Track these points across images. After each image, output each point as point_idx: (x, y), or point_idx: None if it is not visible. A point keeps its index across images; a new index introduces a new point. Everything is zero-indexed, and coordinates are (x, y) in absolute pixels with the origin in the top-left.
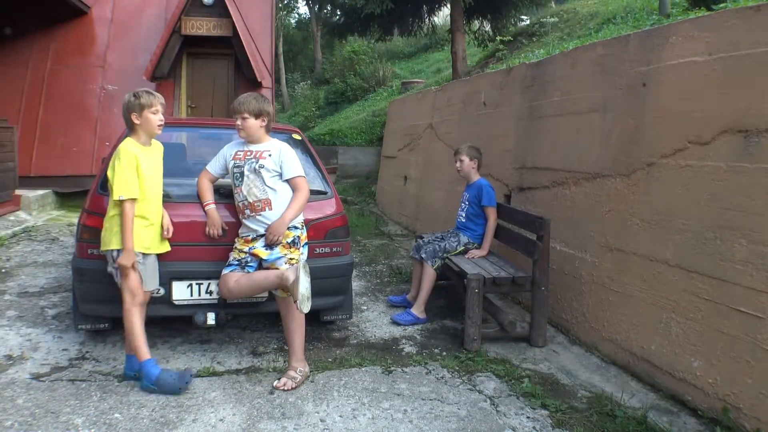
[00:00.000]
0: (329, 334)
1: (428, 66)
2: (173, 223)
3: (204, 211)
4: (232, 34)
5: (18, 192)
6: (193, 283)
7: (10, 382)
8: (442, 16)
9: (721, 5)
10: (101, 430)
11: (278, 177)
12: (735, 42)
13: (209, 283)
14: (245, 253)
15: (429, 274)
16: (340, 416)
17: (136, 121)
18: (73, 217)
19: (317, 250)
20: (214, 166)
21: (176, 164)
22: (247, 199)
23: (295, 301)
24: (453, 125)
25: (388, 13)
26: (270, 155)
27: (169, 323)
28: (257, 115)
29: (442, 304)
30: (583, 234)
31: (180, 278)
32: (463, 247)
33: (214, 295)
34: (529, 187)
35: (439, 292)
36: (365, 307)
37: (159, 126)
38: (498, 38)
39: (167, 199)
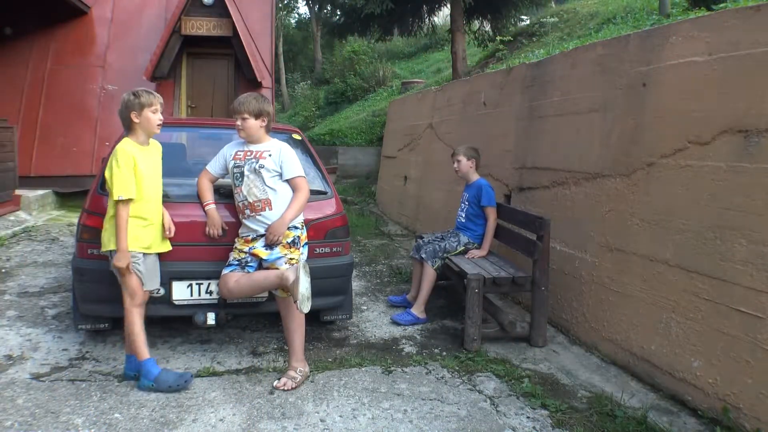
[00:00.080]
0: (329, 334)
1: (428, 66)
2: (173, 223)
3: (204, 211)
4: (232, 34)
5: (18, 192)
6: (193, 283)
7: (10, 382)
8: (442, 16)
9: (721, 5)
10: (101, 430)
11: (278, 177)
12: (735, 42)
13: (209, 283)
14: (245, 253)
15: (429, 274)
16: (340, 416)
17: (136, 120)
18: (73, 217)
19: (317, 250)
20: (214, 166)
21: (176, 164)
22: (247, 199)
23: (295, 301)
24: (453, 125)
25: (388, 13)
26: (270, 155)
27: (169, 323)
28: (257, 116)
29: (442, 304)
30: (583, 234)
31: (180, 278)
32: (463, 247)
33: (214, 295)
34: (529, 187)
35: (439, 292)
36: (365, 307)
37: (158, 125)
38: (498, 38)
39: (167, 199)
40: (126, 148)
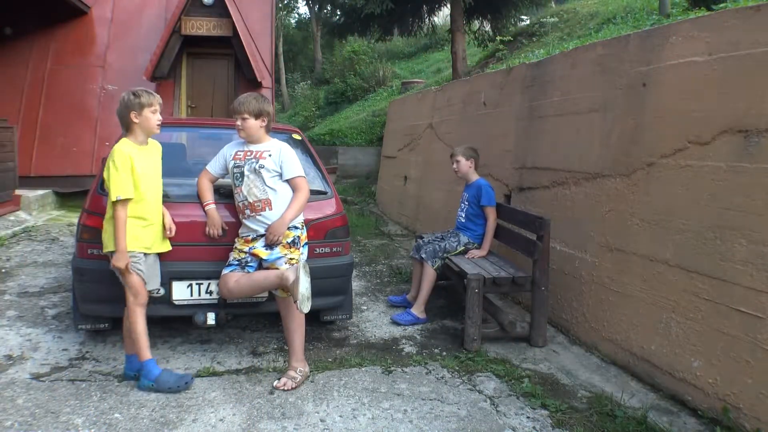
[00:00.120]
0: (329, 334)
1: (428, 66)
2: (175, 224)
3: (204, 211)
4: (232, 34)
5: (18, 192)
6: (193, 283)
7: (10, 382)
8: (442, 16)
9: (721, 5)
10: (101, 430)
11: (278, 177)
12: (735, 42)
13: (209, 283)
14: (245, 253)
15: (429, 274)
16: (340, 416)
17: (135, 120)
18: (73, 217)
19: (317, 250)
20: (214, 166)
21: (176, 164)
22: (247, 199)
23: (295, 301)
24: (453, 125)
25: (388, 13)
26: (270, 155)
27: (169, 323)
28: (257, 116)
29: (442, 304)
30: (583, 234)
31: (180, 278)
32: (463, 247)
33: (214, 295)
34: (529, 187)
35: (439, 292)
36: (365, 307)
37: (158, 125)
38: (498, 38)
39: (167, 199)
40: (123, 148)
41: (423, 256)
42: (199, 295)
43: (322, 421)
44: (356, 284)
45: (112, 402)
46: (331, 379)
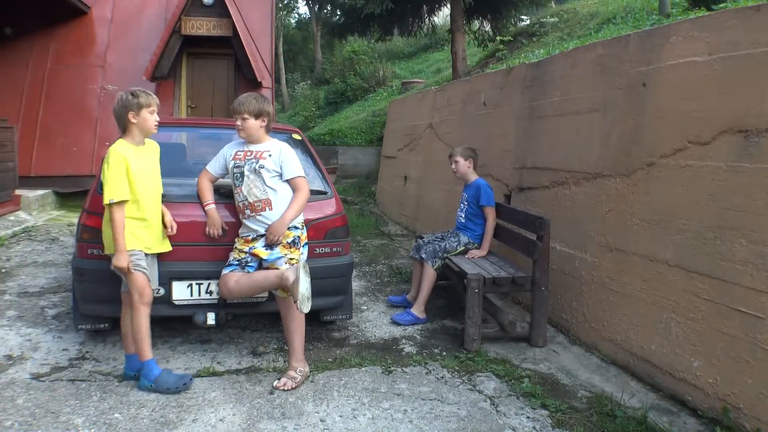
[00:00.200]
0: (329, 334)
1: (428, 66)
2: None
3: (204, 211)
4: (232, 34)
5: (18, 192)
6: (193, 283)
7: (10, 382)
8: (442, 16)
9: (721, 5)
10: (101, 430)
11: (278, 177)
12: (735, 42)
13: (209, 283)
14: (245, 253)
15: (429, 274)
16: (340, 416)
17: (133, 121)
18: (73, 217)
19: (317, 250)
20: (214, 166)
21: (176, 164)
22: (247, 199)
23: (295, 301)
24: (453, 125)
25: (388, 13)
26: (270, 155)
27: (169, 323)
28: (257, 116)
29: (442, 304)
30: (583, 234)
31: (180, 278)
32: (463, 247)
33: (214, 295)
34: (529, 187)
35: (439, 292)
36: (365, 307)
37: (155, 126)
38: (498, 38)
39: (167, 199)
40: (118, 149)
41: (423, 256)
42: (199, 295)
43: (322, 421)
44: (356, 284)
45: (112, 402)
46: (331, 379)
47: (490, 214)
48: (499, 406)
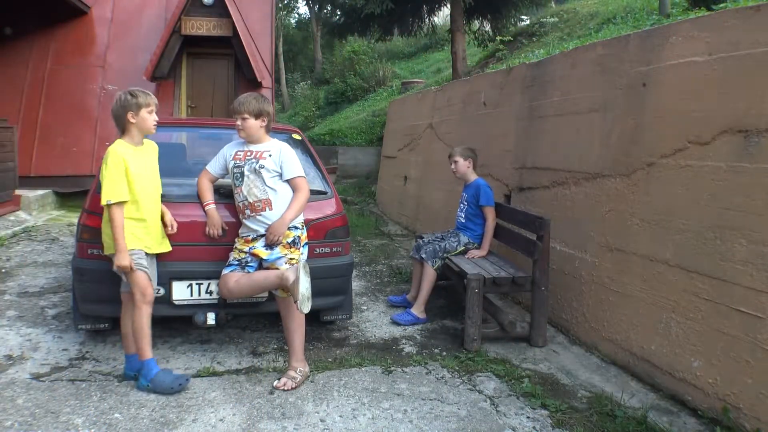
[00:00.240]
0: (329, 334)
1: (428, 66)
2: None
3: (204, 211)
4: (232, 34)
5: (18, 192)
6: (193, 283)
7: (10, 382)
8: (442, 16)
9: (721, 5)
10: (101, 430)
11: (278, 177)
12: (735, 42)
13: (209, 283)
14: (245, 253)
15: (429, 274)
16: (340, 416)
17: (132, 121)
18: (73, 217)
19: (317, 250)
20: (214, 166)
21: (176, 164)
22: (247, 199)
23: (295, 302)
24: (453, 125)
25: (388, 13)
26: (270, 155)
27: (169, 323)
28: (257, 116)
29: (442, 304)
30: (583, 234)
31: (180, 278)
32: (463, 247)
33: (214, 295)
34: (529, 187)
35: (439, 292)
36: (365, 307)
37: (154, 126)
38: (498, 38)
39: (167, 199)
40: (117, 150)
41: (423, 256)
42: (199, 295)
43: (322, 421)
44: (356, 284)
45: (112, 402)
46: (331, 379)
47: (490, 214)
48: (499, 406)
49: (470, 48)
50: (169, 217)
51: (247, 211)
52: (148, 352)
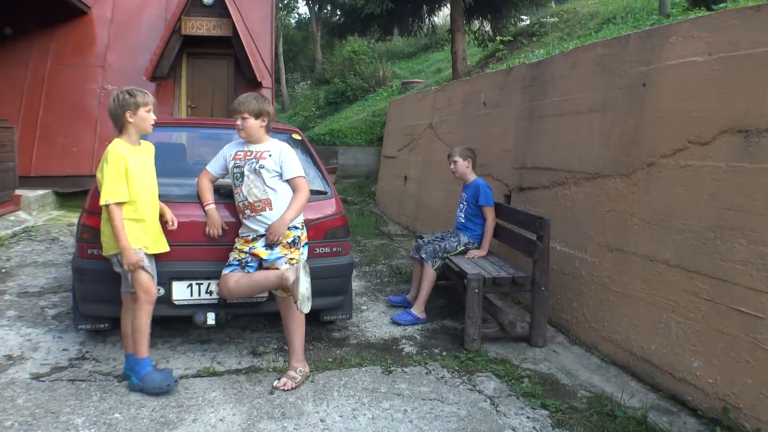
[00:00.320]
0: (329, 334)
1: (428, 66)
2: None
3: (204, 211)
4: (232, 34)
5: (18, 192)
6: (193, 283)
7: (10, 382)
8: (442, 16)
9: (721, 5)
10: (101, 430)
11: (278, 177)
12: (735, 42)
13: (209, 283)
14: (245, 253)
15: (429, 274)
16: (340, 416)
17: (130, 120)
18: (73, 217)
19: (317, 250)
20: (214, 166)
21: (176, 164)
22: (247, 199)
23: (296, 302)
24: (453, 125)
25: (388, 13)
26: (270, 155)
27: (169, 323)
28: (257, 115)
29: (442, 304)
30: (583, 234)
31: (180, 278)
32: (463, 247)
33: (214, 295)
34: (529, 187)
35: (439, 292)
36: (365, 307)
37: (151, 125)
38: (498, 38)
39: (167, 199)
40: (117, 149)
41: (423, 256)
42: (199, 295)
43: (322, 421)
44: (356, 284)
45: (112, 402)
46: (331, 379)
47: (489, 214)
48: (499, 406)
49: (470, 48)
50: (169, 214)
51: (247, 211)
52: (144, 352)
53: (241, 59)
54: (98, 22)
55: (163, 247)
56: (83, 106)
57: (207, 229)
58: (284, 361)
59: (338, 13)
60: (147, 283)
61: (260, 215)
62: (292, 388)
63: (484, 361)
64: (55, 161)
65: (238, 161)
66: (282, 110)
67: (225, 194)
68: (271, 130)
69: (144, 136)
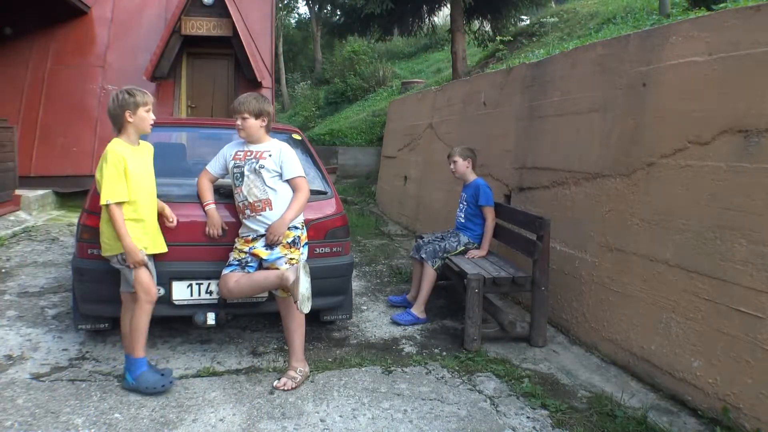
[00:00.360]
0: (329, 334)
1: (428, 66)
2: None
3: (204, 211)
4: (232, 34)
5: (18, 192)
6: (193, 283)
7: (10, 382)
8: (442, 16)
9: (721, 5)
10: (101, 430)
11: (278, 177)
12: (735, 42)
13: (209, 283)
14: (245, 253)
15: (429, 274)
16: (340, 416)
17: (130, 120)
18: (73, 217)
19: (317, 250)
20: (214, 166)
21: (176, 164)
22: (247, 199)
23: (296, 302)
24: (453, 125)
25: (388, 13)
26: (270, 155)
27: (169, 323)
28: (257, 115)
29: (442, 304)
30: (583, 234)
31: (180, 278)
32: (463, 247)
33: (214, 295)
34: (529, 187)
35: (439, 292)
36: (365, 307)
37: (151, 125)
38: (498, 38)
39: (167, 199)
40: (116, 149)
41: (423, 256)
42: (199, 295)
43: (322, 421)
44: (356, 284)
45: (112, 402)
46: (331, 379)
47: (489, 213)
48: (499, 406)
49: (470, 48)
50: (168, 211)
51: (247, 211)
52: (141, 351)
53: (241, 59)
54: (98, 22)
55: (162, 247)
56: (83, 106)
57: (207, 229)
58: (284, 361)
59: (338, 13)
60: (148, 283)
61: (260, 215)
62: (292, 388)
63: (484, 361)
64: (55, 161)
65: (238, 161)
66: (282, 110)
67: (225, 194)
68: (271, 130)
69: (143, 137)
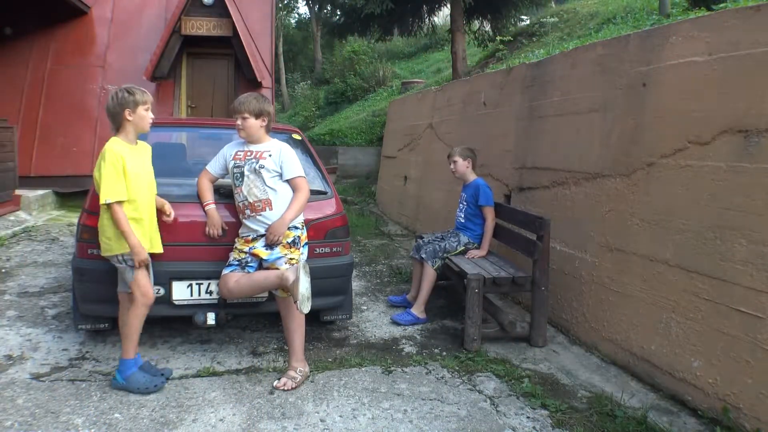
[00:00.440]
0: (329, 334)
1: (428, 66)
2: (175, 223)
3: (204, 211)
4: (232, 34)
5: (18, 192)
6: (193, 283)
7: (10, 382)
8: (442, 16)
9: (721, 5)
10: (101, 430)
11: (278, 177)
12: (735, 42)
13: (209, 283)
14: (245, 253)
15: (429, 274)
16: (340, 416)
17: (129, 118)
18: (73, 217)
19: (317, 250)
20: (214, 166)
21: (176, 164)
22: (247, 199)
23: (295, 302)
24: (453, 125)
25: (388, 13)
26: (270, 155)
27: (169, 323)
28: (257, 115)
29: (442, 304)
30: (583, 234)
31: (180, 278)
32: (463, 247)
33: (214, 295)
34: (529, 187)
35: (439, 292)
36: (365, 307)
37: (149, 124)
38: (498, 38)
39: (167, 200)
40: (114, 148)
41: (423, 256)
42: (199, 295)
43: (322, 421)
44: (356, 284)
45: (112, 402)
46: (331, 379)
47: (489, 213)
48: (499, 406)
49: (470, 48)
50: (168, 206)
51: (247, 211)
52: (132, 352)
53: (241, 59)
54: (98, 22)
55: (158, 247)
56: (83, 106)
57: (207, 229)
58: (284, 361)
59: (338, 13)
60: (146, 285)
61: (260, 215)
62: (292, 388)
63: (484, 361)
64: (55, 161)
65: (238, 161)
66: (282, 110)
67: (225, 194)
68: (271, 130)
69: (142, 137)
